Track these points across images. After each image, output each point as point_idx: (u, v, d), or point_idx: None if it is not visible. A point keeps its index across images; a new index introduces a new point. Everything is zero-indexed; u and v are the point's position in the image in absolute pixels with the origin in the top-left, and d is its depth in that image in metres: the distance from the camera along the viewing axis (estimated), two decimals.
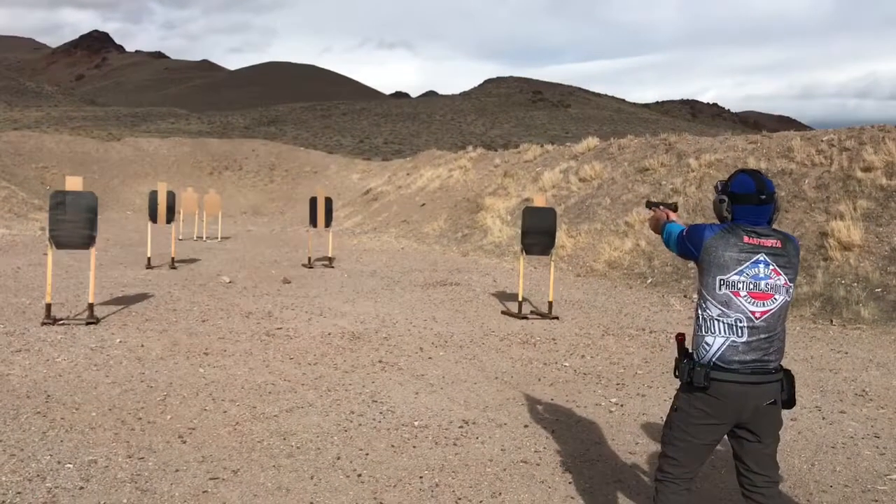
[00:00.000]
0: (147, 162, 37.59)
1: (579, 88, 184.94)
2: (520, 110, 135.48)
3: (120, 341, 7.52)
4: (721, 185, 3.09)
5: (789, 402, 2.98)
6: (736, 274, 2.92)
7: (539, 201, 10.66)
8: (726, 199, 3.04)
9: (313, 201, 15.94)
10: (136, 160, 37.44)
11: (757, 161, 16.01)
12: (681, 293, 12.37)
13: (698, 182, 16.62)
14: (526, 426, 5.38)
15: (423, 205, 25.29)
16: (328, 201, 16.03)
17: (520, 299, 10.06)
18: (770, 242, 2.94)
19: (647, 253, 14.80)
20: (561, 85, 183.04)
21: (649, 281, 13.55)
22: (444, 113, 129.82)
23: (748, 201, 2.98)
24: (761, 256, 2.93)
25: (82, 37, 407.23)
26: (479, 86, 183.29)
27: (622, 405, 6.02)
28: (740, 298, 2.91)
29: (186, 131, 79.96)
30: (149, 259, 13.89)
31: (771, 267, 2.93)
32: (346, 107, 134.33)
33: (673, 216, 3.44)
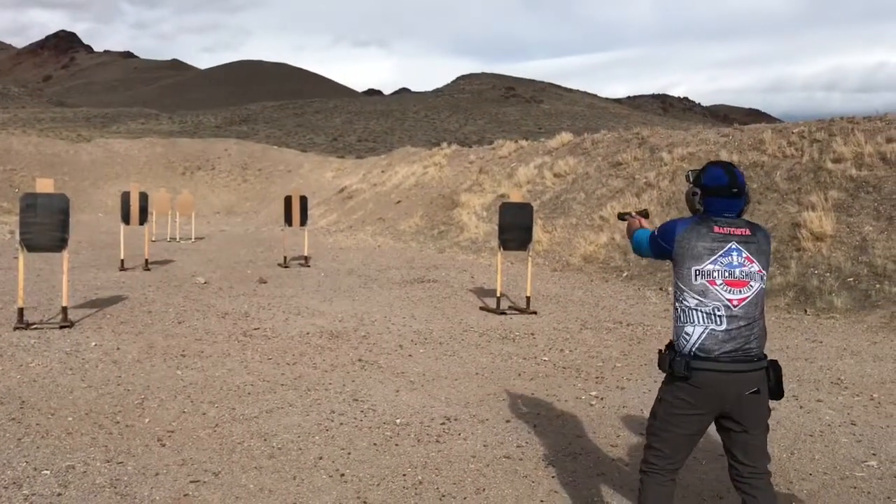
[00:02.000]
0: (118, 163, 37.15)
1: (552, 84, 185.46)
2: (493, 106, 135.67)
3: (95, 345, 7.43)
4: (692, 176, 3.12)
5: (777, 393, 3.00)
6: (711, 263, 2.95)
7: (516, 197, 10.68)
8: (699, 192, 3.07)
9: (288, 200, 15.84)
10: (107, 161, 36.98)
11: (729, 154, 16.15)
12: (656, 286, 12.45)
13: (671, 176, 16.73)
14: (508, 421, 5.39)
15: (399, 202, 25.24)
16: (303, 200, 15.94)
17: (498, 295, 10.07)
18: (740, 231, 2.99)
19: (623, 247, 14.87)
20: (534, 81, 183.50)
21: (625, 274, 13.63)
22: (417, 110, 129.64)
23: (720, 194, 3.01)
24: (733, 245, 2.96)
25: (49, 37, 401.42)
26: (452, 82, 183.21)
27: (602, 398, 6.04)
28: (717, 287, 2.93)
29: (157, 131, 79.14)
30: (122, 261, 13.73)
31: (744, 254, 2.96)
32: (319, 105, 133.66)
33: (645, 223, 3.47)
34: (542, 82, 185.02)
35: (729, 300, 2.92)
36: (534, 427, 5.27)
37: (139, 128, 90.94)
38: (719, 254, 2.94)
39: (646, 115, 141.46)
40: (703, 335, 2.93)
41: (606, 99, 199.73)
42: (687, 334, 2.97)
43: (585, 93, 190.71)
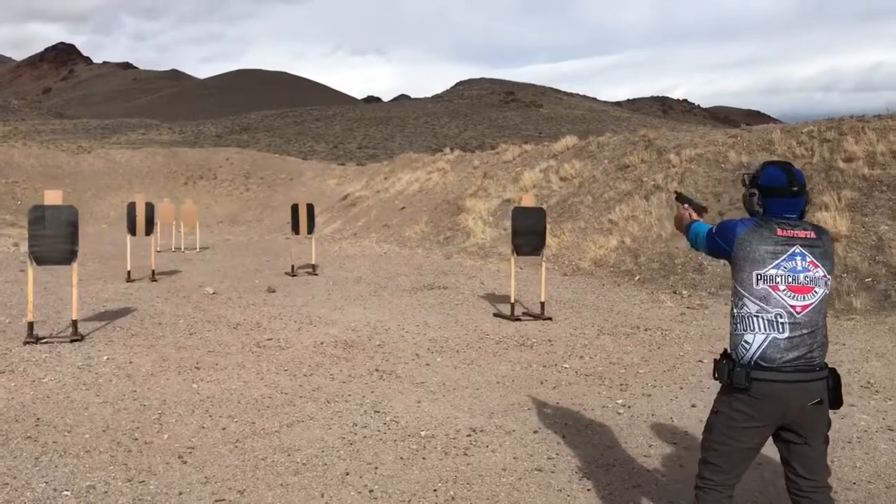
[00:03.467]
0: (120, 174, 37.08)
1: (551, 88, 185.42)
2: (492, 111, 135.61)
3: (107, 358, 7.29)
4: (749, 178, 2.99)
5: (836, 402, 2.87)
6: (773, 268, 2.81)
7: (527, 201, 10.56)
8: (756, 193, 2.93)
9: (295, 208, 15.73)
10: (109, 172, 36.92)
11: (738, 154, 16.04)
12: (669, 289, 12.31)
13: (680, 177, 16.60)
14: (535, 432, 5.25)
15: (403, 208, 25.12)
16: (310, 208, 15.83)
17: (512, 301, 9.94)
18: (804, 234, 2.84)
19: (633, 250, 14.75)
20: (533, 85, 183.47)
21: (637, 278, 13.50)
22: (417, 116, 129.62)
23: (780, 194, 2.88)
24: (797, 248, 2.82)
25: (48, 49, 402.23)
26: (451, 88, 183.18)
27: (629, 406, 5.90)
28: (779, 293, 2.80)
29: (158, 141, 79.09)
30: (129, 272, 13.60)
31: (808, 259, 2.82)
32: (319, 113, 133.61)
33: (696, 217, 3.33)
34: (542, 86, 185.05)
35: (792, 307, 2.79)
36: (563, 437, 5.13)
37: (139, 138, 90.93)
38: (783, 258, 2.81)
39: (646, 118, 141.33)
40: (765, 343, 2.79)
41: (606, 102, 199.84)
42: (747, 342, 2.83)
43: (585, 96, 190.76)
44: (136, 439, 5.02)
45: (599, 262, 14.81)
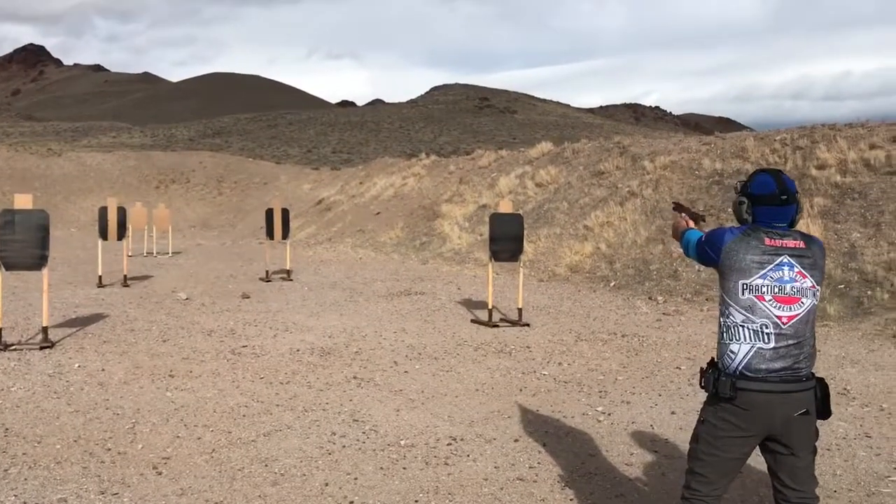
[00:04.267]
0: (91, 177, 36.60)
1: (525, 94, 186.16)
2: (467, 117, 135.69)
3: (79, 366, 7.14)
4: (740, 185, 2.97)
5: (825, 413, 2.85)
6: (759, 277, 2.79)
7: (505, 207, 10.54)
8: (746, 201, 2.91)
9: (270, 213, 15.59)
10: (80, 175, 36.43)
11: (712, 161, 16.16)
12: (645, 295, 12.36)
13: (654, 184, 16.69)
14: (516, 440, 5.21)
15: (379, 213, 25.03)
16: (285, 212, 15.70)
17: (490, 307, 9.90)
18: (793, 243, 2.83)
19: (608, 256, 14.80)
20: (507, 91, 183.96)
21: (612, 284, 13.53)
22: (391, 121, 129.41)
23: (769, 202, 2.86)
24: (785, 258, 2.80)
25: (17, 50, 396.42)
26: (426, 93, 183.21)
27: (609, 414, 5.88)
28: (765, 303, 2.78)
29: (129, 145, 78.21)
30: (100, 277, 13.38)
31: (796, 269, 2.80)
32: (292, 117, 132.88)
33: (692, 225, 3.31)
34: (516, 93, 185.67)
35: (778, 317, 2.77)
36: (543, 446, 5.09)
37: (111, 141, 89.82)
38: (769, 268, 2.79)
39: (619, 125, 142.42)
40: (750, 353, 2.77)
41: (579, 108, 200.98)
42: (732, 352, 2.81)
43: (558, 103, 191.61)
44: (109, 450, 4.91)
45: (575, 267, 14.83)
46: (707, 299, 11.43)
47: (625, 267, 14.03)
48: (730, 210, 14.40)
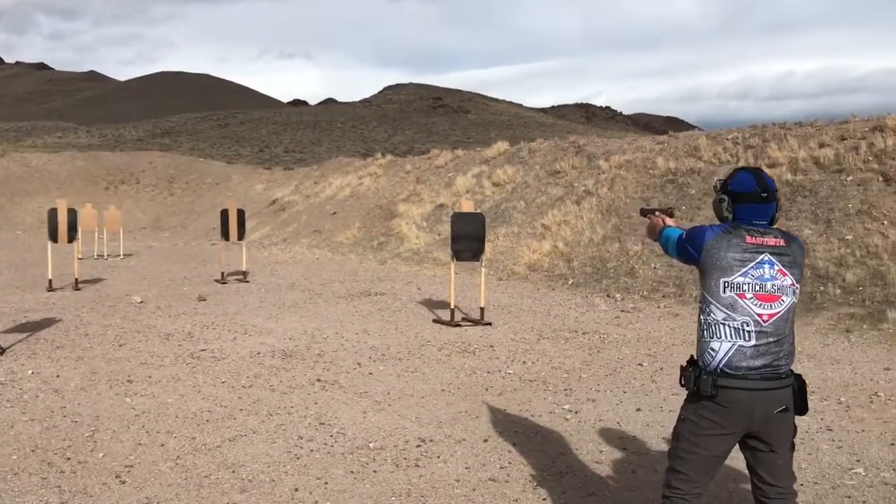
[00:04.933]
0: (36, 178, 35.65)
1: (478, 94, 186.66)
2: (421, 116, 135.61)
3: (32, 372, 6.93)
4: (720, 183, 2.99)
5: (802, 408, 2.89)
6: (741, 275, 2.81)
7: (467, 207, 10.54)
8: (726, 199, 2.93)
9: (225, 213, 15.35)
10: (25, 176, 35.47)
11: (666, 160, 16.36)
12: (603, 293, 12.46)
13: (610, 183, 16.85)
14: (485, 440, 5.19)
15: (335, 213, 24.84)
16: (240, 213, 15.48)
17: (452, 306, 9.88)
18: (774, 241, 2.85)
19: (566, 254, 14.90)
20: (460, 91, 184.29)
21: (570, 282, 13.62)
22: (344, 120, 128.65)
23: (749, 200, 2.88)
24: (766, 256, 2.83)
25: None
26: (379, 93, 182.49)
27: (576, 412, 5.91)
28: (746, 301, 2.80)
29: (76, 145, 76.40)
30: (50, 281, 13.03)
31: (776, 267, 2.83)
32: (244, 116, 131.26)
33: (669, 221, 3.32)
34: (469, 92, 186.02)
35: (759, 315, 2.80)
36: (513, 445, 5.09)
37: (56, 141, 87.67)
38: (750, 266, 2.81)
39: (571, 124, 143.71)
40: (731, 351, 2.79)
41: (532, 108, 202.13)
42: (713, 350, 2.83)
43: (511, 102, 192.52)
44: (69, 459, 4.77)
45: (533, 266, 14.90)
46: (664, 296, 11.57)
47: (582, 265, 14.14)
48: (685, 207, 14.63)
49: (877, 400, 6.23)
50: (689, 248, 2.97)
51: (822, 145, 13.69)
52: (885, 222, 11.20)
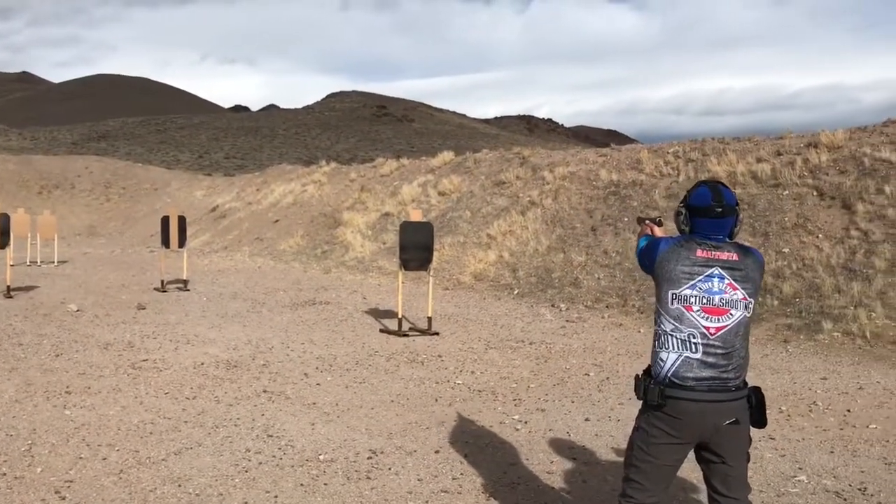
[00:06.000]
0: None
1: (422, 104, 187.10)
2: (364, 124, 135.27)
3: None
4: (684, 197, 3.04)
5: (760, 421, 2.93)
6: (688, 288, 2.85)
7: (416, 216, 10.52)
8: (684, 212, 2.97)
9: (165, 220, 15.02)
10: None
11: (608, 172, 16.61)
12: (548, 302, 12.56)
13: (554, 194, 17.02)
14: (437, 452, 5.16)
15: (277, 221, 24.55)
16: (181, 220, 15.17)
17: (400, 316, 9.84)
18: (726, 255, 2.89)
19: (511, 264, 14.99)
20: (404, 100, 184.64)
21: (516, 292, 13.70)
22: (287, 127, 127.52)
23: (705, 214, 2.91)
24: (716, 270, 2.86)
25: None
26: (323, 100, 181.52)
27: (526, 422, 5.92)
28: (693, 313, 2.84)
29: (7, 148, 74.03)
30: None
31: (726, 281, 2.87)
32: (183, 121, 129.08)
33: (658, 231, 3.34)
34: (413, 101, 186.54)
35: (706, 328, 2.84)
36: (465, 456, 5.07)
37: None
38: (699, 279, 2.85)
39: (513, 135, 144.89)
40: (678, 362, 2.83)
41: (475, 119, 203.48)
42: (661, 360, 2.87)
43: (455, 112, 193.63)
44: (5, 474, 4.58)
45: (479, 276, 14.95)
46: (607, 306, 11.72)
47: (527, 275, 14.24)
48: (626, 219, 14.88)
49: (815, 409, 6.41)
50: (645, 260, 3.01)
51: (759, 160, 14.07)
52: (820, 236, 11.56)
